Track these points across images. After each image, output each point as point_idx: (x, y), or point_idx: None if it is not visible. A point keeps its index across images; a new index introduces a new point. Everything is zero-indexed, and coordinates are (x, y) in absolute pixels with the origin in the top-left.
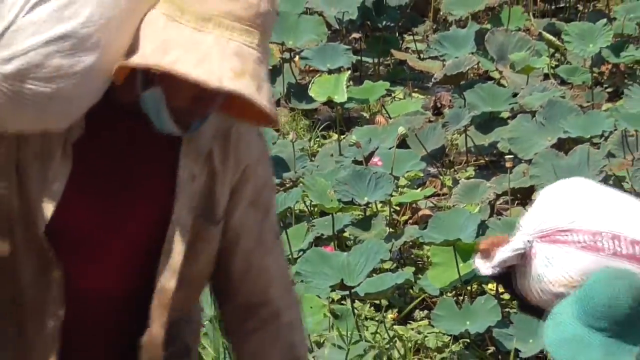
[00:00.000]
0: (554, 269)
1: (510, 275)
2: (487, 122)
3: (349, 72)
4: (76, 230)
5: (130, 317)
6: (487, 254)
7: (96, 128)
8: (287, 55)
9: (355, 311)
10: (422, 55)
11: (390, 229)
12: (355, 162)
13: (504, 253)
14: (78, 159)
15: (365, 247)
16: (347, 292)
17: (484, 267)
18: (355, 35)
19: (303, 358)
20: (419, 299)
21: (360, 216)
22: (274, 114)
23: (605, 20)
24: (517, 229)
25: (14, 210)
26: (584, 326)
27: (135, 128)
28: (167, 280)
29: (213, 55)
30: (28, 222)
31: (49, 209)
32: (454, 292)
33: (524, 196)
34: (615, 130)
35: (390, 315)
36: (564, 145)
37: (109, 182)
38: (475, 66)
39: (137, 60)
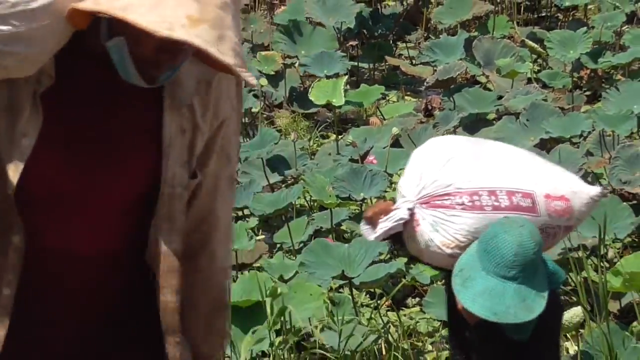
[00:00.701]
0: (440, 234)
1: (402, 234)
2: (474, 123)
3: (346, 77)
4: (48, 188)
5: (112, 279)
6: (372, 222)
7: (68, 78)
8: (288, 61)
9: (354, 299)
10: (414, 61)
11: None
12: (352, 160)
13: (387, 223)
14: (49, 111)
15: (365, 239)
16: (346, 282)
17: (371, 234)
18: (352, 42)
19: (228, 304)
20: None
21: (357, 211)
22: (238, 65)
23: (585, 28)
24: (398, 195)
25: None
26: (495, 277)
27: (112, 79)
28: (171, 243)
29: (169, 0)
30: None
31: (18, 166)
32: (443, 280)
33: None
34: (594, 130)
35: (385, 302)
36: (545, 145)
37: (84, 137)
38: (464, 71)
39: (89, 4)
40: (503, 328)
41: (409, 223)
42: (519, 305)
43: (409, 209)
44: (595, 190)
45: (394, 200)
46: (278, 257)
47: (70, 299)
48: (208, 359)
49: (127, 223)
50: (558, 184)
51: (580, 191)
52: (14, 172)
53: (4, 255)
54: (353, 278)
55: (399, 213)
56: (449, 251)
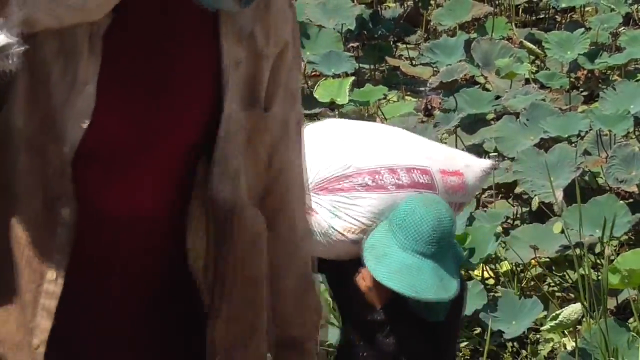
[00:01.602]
0: (342, 219)
1: None
2: (473, 123)
3: (353, 77)
4: (107, 142)
5: (166, 245)
6: None
7: (124, 16)
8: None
9: None
10: (414, 62)
11: None
12: None
13: None
14: (106, 53)
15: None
16: None
17: None
18: (353, 44)
19: (315, 283)
20: None
21: None
22: None
23: (582, 29)
24: None
25: (18, 129)
26: (412, 254)
27: (169, 8)
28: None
29: None
30: (44, 141)
31: (81, 119)
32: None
33: (507, 190)
34: (591, 130)
35: None
36: (544, 144)
37: (143, 80)
38: (466, 73)
39: None
40: (412, 308)
41: None
42: (438, 284)
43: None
44: (486, 163)
45: None
46: None
47: (125, 270)
48: (303, 345)
49: (185, 174)
50: (451, 159)
51: (473, 165)
52: (76, 126)
53: (51, 233)
54: None
55: None
56: (353, 237)
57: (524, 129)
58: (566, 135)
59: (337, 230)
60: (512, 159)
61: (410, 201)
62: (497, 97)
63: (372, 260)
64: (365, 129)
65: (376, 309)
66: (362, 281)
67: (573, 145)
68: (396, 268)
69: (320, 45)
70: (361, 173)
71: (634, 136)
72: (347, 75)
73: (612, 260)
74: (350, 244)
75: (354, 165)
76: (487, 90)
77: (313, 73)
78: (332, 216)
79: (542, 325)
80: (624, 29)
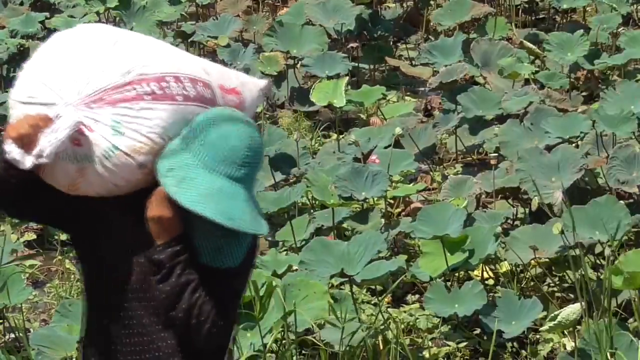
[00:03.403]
0: (128, 136)
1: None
2: (475, 123)
3: (347, 77)
4: None
5: None
6: (26, 142)
7: None
8: (291, 62)
9: (353, 295)
10: (413, 62)
11: (385, 221)
12: (355, 159)
13: (55, 134)
14: None
15: (364, 237)
16: (346, 279)
17: (25, 158)
18: (353, 44)
19: None
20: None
21: (358, 209)
22: None
23: (582, 31)
24: (43, 100)
25: None
26: (222, 177)
27: None
28: None
29: None
30: None
31: None
32: (442, 278)
33: (507, 191)
34: (593, 130)
35: (385, 299)
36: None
37: None
38: (465, 73)
39: None
40: (199, 250)
41: (73, 136)
42: (253, 215)
43: (73, 113)
44: (263, 82)
45: (84, 124)
46: (272, 254)
47: None
48: None
49: None
50: (226, 75)
51: (249, 82)
52: None
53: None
54: (352, 276)
55: (67, 119)
56: (141, 159)
57: (528, 133)
58: (568, 136)
59: (121, 151)
60: (512, 161)
61: (212, 116)
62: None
63: (173, 185)
64: (125, 35)
65: (156, 246)
66: (152, 211)
67: (574, 145)
68: (205, 191)
69: (305, 42)
70: (145, 79)
71: (633, 137)
72: (338, 76)
73: (613, 261)
74: (136, 168)
75: (137, 70)
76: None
77: (307, 74)
78: (114, 133)
79: (541, 325)
80: (623, 30)
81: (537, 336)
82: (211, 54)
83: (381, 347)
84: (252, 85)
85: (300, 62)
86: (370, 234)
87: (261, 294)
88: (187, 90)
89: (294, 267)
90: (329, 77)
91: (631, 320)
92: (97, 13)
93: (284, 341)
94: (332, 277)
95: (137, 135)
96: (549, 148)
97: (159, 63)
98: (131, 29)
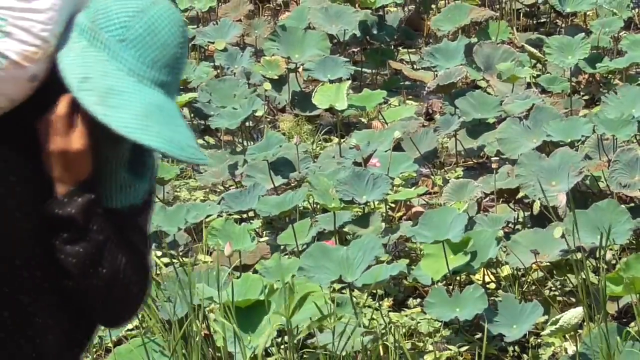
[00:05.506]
0: (16, 38)
1: None
2: (476, 127)
3: (349, 81)
4: None
5: None
6: None
7: None
8: (292, 66)
9: (354, 299)
10: (415, 66)
11: (386, 225)
12: (355, 163)
13: None
14: None
15: (363, 242)
16: (345, 285)
17: None
18: (355, 49)
19: None
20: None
21: (359, 213)
22: None
23: (583, 34)
24: None
25: None
26: (152, 87)
27: None
28: None
29: None
30: None
31: None
32: (444, 281)
33: (508, 195)
34: (594, 134)
35: (386, 303)
36: (545, 148)
37: None
38: (464, 76)
39: None
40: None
41: None
42: (192, 138)
43: None
44: None
45: None
46: (275, 259)
47: None
48: None
49: None
50: None
51: None
52: None
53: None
54: (350, 282)
55: None
56: (33, 68)
57: (527, 131)
58: (568, 140)
59: (11, 60)
60: (513, 164)
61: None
62: (501, 102)
63: (97, 104)
64: None
65: (59, 195)
66: (55, 142)
67: (575, 149)
68: (141, 111)
69: (307, 47)
70: None
71: (635, 140)
72: (340, 80)
73: (614, 265)
74: (27, 81)
75: None
76: (488, 94)
77: (309, 78)
78: None
79: (542, 329)
80: (625, 33)
81: (539, 340)
82: (211, 59)
83: (382, 352)
84: None
85: (301, 66)
86: (369, 239)
87: (262, 298)
88: None
89: (294, 274)
90: (331, 81)
91: (632, 324)
92: None
93: (283, 346)
94: (332, 283)
95: (28, 37)
96: (545, 145)
97: None
98: None
